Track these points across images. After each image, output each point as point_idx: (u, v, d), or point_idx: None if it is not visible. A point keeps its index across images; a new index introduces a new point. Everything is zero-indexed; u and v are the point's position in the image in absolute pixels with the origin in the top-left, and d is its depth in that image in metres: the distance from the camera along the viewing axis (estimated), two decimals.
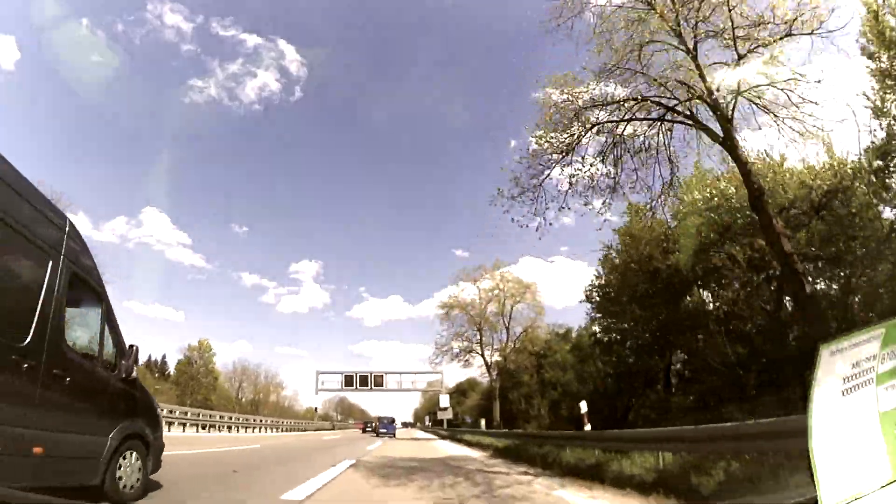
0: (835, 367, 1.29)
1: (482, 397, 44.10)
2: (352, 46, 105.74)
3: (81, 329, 4.71)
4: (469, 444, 23.28)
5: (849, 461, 1.25)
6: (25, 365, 3.50)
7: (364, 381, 55.72)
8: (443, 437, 36.02)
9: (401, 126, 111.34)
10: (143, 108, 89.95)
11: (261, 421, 36.89)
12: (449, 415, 56.65)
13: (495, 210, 11.72)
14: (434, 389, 63.47)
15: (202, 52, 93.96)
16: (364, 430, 52.73)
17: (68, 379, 3.97)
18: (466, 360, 33.94)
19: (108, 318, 4.85)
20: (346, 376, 55.68)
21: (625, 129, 12.31)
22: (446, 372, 55.75)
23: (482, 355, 33.06)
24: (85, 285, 4.54)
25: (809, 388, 1.26)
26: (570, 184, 12.01)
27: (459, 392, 70.97)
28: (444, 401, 56.52)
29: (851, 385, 1.31)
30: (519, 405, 29.10)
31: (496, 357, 33.42)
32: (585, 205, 11.98)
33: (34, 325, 3.64)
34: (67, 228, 4.31)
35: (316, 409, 61.17)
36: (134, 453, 4.85)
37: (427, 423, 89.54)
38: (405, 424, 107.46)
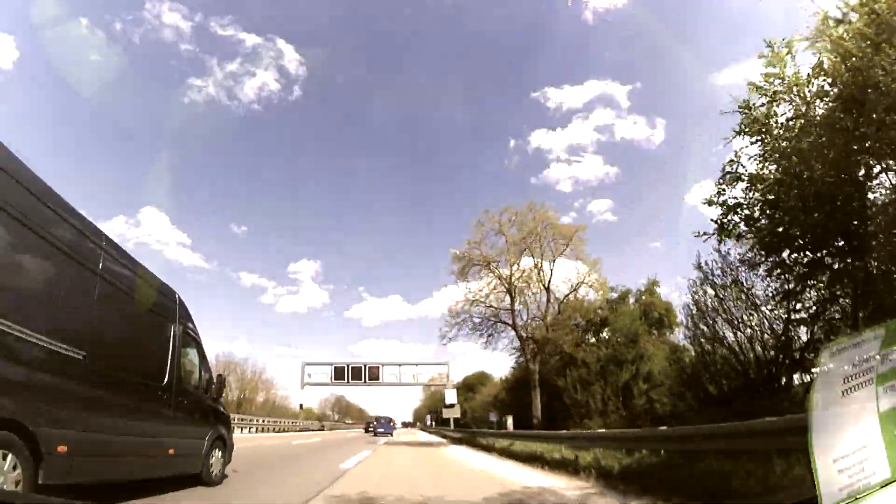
0: (835, 367, 1.29)
1: (507, 387, 35.04)
2: (351, 46, 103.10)
3: (188, 366, 6.48)
4: (511, 455, 14.39)
5: (849, 461, 1.23)
6: (165, 396, 5.53)
7: (357, 373, 47.52)
8: (456, 442, 27.08)
9: (400, 125, 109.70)
10: (142, 107, 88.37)
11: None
12: (456, 413, 48.34)
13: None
14: (438, 384, 55.12)
15: (201, 52, 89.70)
16: (367, 431, 50.15)
17: (185, 402, 6.01)
18: (490, 335, 24.94)
19: (202, 356, 6.92)
20: (336, 368, 47.36)
21: None
22: (453, 364, 47.61)
23: (514, 326, 23.99)
24: (189, 337, 6.52)
25: (810, 388, 1.26)
26: None
27: (467, 387, 62.14)
28: (451, 396, 48.12)
29: (851, 385, 1.29)
30: (573, 394, 20.28)
31: (523, 333, 24.24)
32: None
33: (168, 370, 5.66)
34: (178, 300, 6.36)
35: (301, 405, 52.47)
36: (218, 450, 6.86)
37: (429, 422, 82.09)
38: (405, 424, 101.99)
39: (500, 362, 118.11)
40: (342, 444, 23.03)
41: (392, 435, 44.44)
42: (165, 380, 5.53)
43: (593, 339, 24.85)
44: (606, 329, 22.83)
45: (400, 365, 48.61)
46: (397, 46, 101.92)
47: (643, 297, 25.92)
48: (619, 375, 21.12)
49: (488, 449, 17.48)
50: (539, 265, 23.23)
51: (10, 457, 3.20)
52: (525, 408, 26.67)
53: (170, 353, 5.72)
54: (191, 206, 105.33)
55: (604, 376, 20.72)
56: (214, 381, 7.10)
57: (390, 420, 49.82)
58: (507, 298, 23.43)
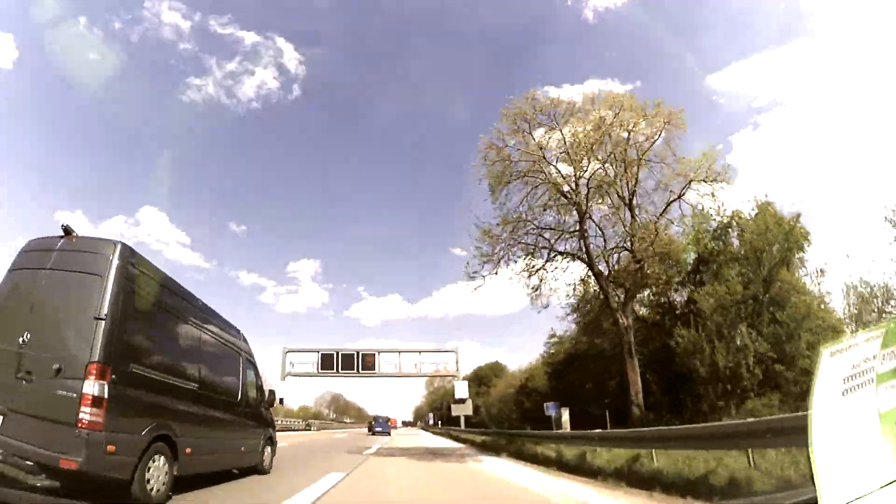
0: (835, 367, 1.26)
1: (549, 371, 26.16)
2: (350, 45, 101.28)
3: (250, 384, 8.39)
4: (679, 489, 5.61)
5: (849, 461, 1.22)
6: (239, 409, 7.67)
7: (348, 362, 39.11)
8: (482, 448, 18.32)
9: (399, 125, 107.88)
10: (141, 106, 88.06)
11: None
12: (468, 409, 39.81)
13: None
14: (445, 375, 46.66)
15: (200, 50, 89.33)
16: (369, 430, 47.86)
17: (249, 412, 8.14)
18: (538, 284, 15.64)
19: (257, 374, 8.94)
20: (322, 356, 39.29)
21: None
22: (453, 364, 38.97)
23: (588, 262, 14.37)
24: (250, 362, 8.55)
25: (810, 388, 1.23)
26: None
27: (478, 381, 53.28)
28: (462, 389, 39.84)
29: (851, 385, 1.27)
30: (710, 359, 11.43)
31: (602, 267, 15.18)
32: None
33: (240, 389, 7.78)
34: (242, 336, 8.50)
35: (282, 399, 43.63)
36: (269, 447, 8.85)
37: (431, 421, 73.65)
38: (405, 424, 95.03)
39: (504, 359, 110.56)
40: (312, 454, 14.57)
41: (390, 435, 39.64)
42: (239, 397, 7.71)
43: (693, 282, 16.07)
44: (732, 251, 14.02)
45: (399, 352, 40.23)
46: (397, 46, 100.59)
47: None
48: (761, 328, 12.36)
49: (583, 471, 8.65)
50: (617, 169, 14.37)
51: (163, 459, 5.25)
52: (588, 395, 17.88)
53: (240, 376, 7.89)
54: (190, 206, 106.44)
55: (755, 325, 11.92)
56: (267, 393, 9.25)
57: (388, 419, 47.33)
58: (573, 216, 14.45)
